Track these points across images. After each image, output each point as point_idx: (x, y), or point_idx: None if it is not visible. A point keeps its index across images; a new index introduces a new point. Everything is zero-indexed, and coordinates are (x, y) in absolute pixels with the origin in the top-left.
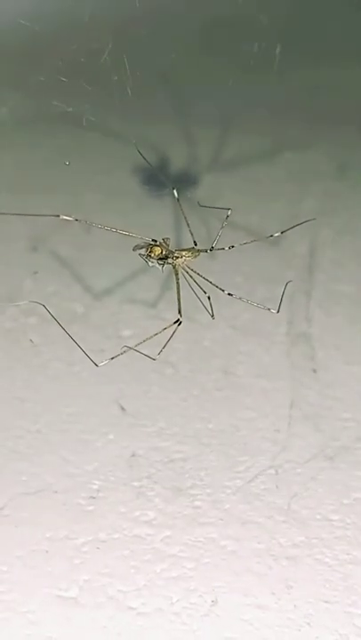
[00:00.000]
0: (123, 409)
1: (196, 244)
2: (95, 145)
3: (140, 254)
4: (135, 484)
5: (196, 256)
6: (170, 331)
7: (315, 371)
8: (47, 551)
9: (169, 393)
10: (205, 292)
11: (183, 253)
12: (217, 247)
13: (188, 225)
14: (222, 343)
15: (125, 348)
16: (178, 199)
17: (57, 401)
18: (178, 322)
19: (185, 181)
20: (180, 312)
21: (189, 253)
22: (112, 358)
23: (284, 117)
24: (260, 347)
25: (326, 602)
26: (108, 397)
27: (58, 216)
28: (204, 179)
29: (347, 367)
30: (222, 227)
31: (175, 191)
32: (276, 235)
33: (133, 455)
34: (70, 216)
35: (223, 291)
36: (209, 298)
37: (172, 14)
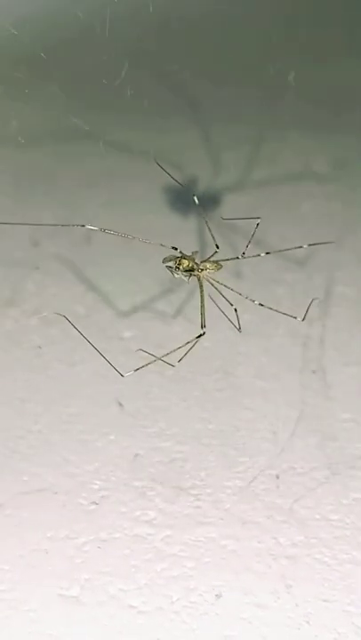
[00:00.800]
0: (123, 409)
1: (218, 248)
2: (112, 157)
3: (167, 266)
4: (136, 483)
5: (219, 268)
6: (191, 341)
7: (314, 371)
8: (48, 550)
9: (169, 394)
10: (232, 304)
11: (207, 265)
12: (247, 255)
13: (209, 230)
14: (222, 344)
15: (148, 356)
16: (199, 205)
17: (58, 401)
18: (200, 336)
19: (206, 195)
20: (203, 325)
21: (213, 266)
22: (136, 370)
23: (288, 120)
24: (260, 348)
25: (325, 601)
26: (109, 398)
27: (83, 226)
28: (218, 186)
29: (346, 368)
30: (252, 234)
31: (195, 198)
32: (305, 247)
33: (134, 455)
34: (95, 226)
35: (253, 301)
36: (236, 310)
37: (182, 27)
